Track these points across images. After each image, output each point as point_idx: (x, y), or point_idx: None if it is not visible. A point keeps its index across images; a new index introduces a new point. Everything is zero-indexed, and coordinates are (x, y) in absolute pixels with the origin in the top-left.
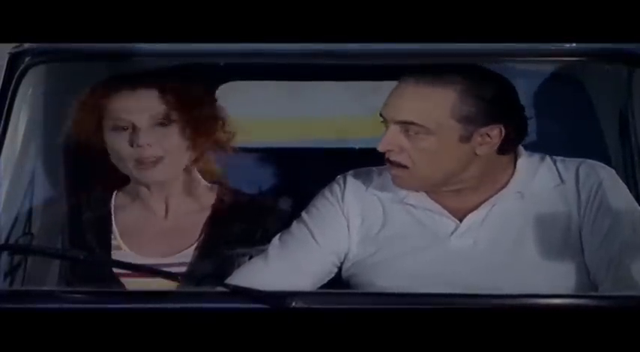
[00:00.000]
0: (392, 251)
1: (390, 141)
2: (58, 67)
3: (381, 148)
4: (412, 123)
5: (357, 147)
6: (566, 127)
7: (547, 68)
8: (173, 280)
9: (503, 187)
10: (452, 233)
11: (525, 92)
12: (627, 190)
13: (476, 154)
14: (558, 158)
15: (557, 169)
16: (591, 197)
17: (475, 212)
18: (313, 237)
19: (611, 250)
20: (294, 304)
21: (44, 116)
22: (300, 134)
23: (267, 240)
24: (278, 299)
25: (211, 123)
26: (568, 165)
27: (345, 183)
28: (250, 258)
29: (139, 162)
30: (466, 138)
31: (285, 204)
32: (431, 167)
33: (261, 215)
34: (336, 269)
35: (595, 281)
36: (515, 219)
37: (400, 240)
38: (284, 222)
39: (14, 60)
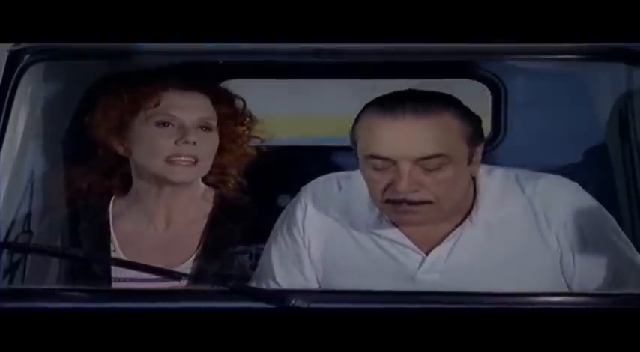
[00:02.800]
0: (356, 283)
1: (411, 181)
2: (57, 65)
3: (403, 190)
4: (436, 156)
5: None
6: (566, 125)
7: (547, 67)
8: (174, 280)
9: (466, 214)
10: (418, 267)
11: (525, 91)
12: (595, 202)
13: (471, 175)
14: (518, 172)
15: (521, 186)
16: (558, 219)
17: (440, 246)
18: (276, 282)
19: (600, 274)
20: (294, 302)
21: (43, 114)
22: (299, 132)
23: (266, 239)
24: (278, 297)
25: (242, 142)
26: (531, 182)
27: (305, 208)
28: (250, 256)
29: (175, 160)
30: (470, 160)
31: (284, 202)
32: (451, 197)
33: (261, 214)
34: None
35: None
36: (481, 248)
37: (364, 269)
38: None
39: (13, 58)
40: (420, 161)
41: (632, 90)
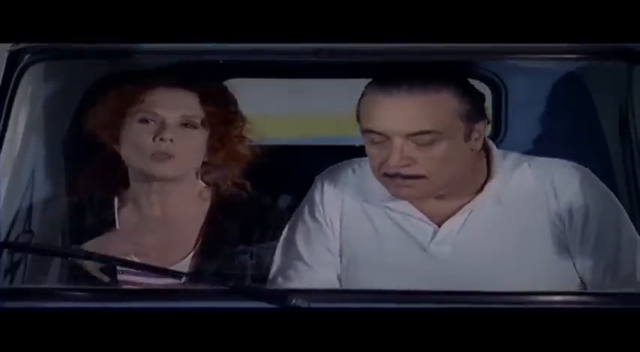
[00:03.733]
0: (372, 256)
1: (402, 155)
2: (58, 65)
3: (394, 164)
4: (426, 132)
5: (357, 144)
6: (567, 125)
7: (547, 66)
8: (174, 279)
9: (478, 191)
10: (431, 239)
11: (526, 90)
12: (605, 188)
13: (472, 151)
14: (532, 158)
15: (532, 170)
16: (566, 195)
17: (453, 218)
18: (304, 262)
19: (603, 254)
20: (294, 302)
21: (44, 114)
22: (300, 131)
23: (266, 238)
24: (279, 297)
25: (234, 142)
26: (543, 166)
27: (322, 190)
28: (251, 256)
29: (155, 155)
30: (467, 136)
31: (284, 201)
32: (445, 172)
33: (261, 213)
34: (332, 258)
35: (592, 287)
36: (493, 225)
37: (380, 243)
38: (283, 220)
39: (13, 58)
40: (411, 136)
41: (632, 89)
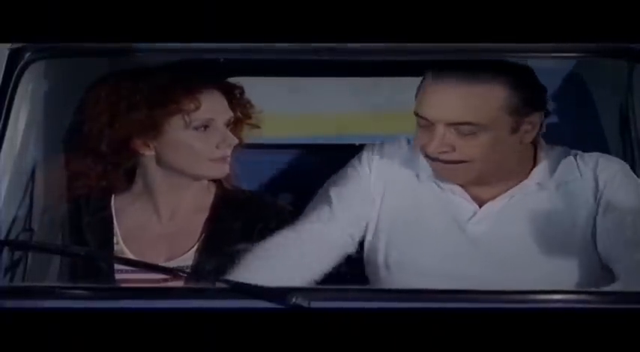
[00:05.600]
0: (410, 228)
1: (442, 142)
2: (58, 63)
3: (432, 150)
4: (468, 123)
5: (357, 143)
6: (567, 123)
7: (548, 65)
8: (175, 277)
9: (524, 178)
10: (470, 218)
11: None
12: None
13: (521, 143)
14: (577, 152)
15: (577, 163)
16: (607, 187)
17: (494, 201)
18: (331, 209)
19: (629, 241)
20: (295, 300)
21: (44, 112)
22: (299, 130)
23: (268, 236)
24: (278, 295)
25: (240, 129)
26: (587, 159)
27: (375, 152)
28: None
29: (217, 160)
30: (515, 129)
31: (284, 199)
32: (488, 160)
33: (261, 211)
34: (351, 242)
35: (614, 271)
36: (533, 211)
37: (420, 216)
38: (284, 218)
39: (14, 57)
40: (454, 125)
41: (633, 88)
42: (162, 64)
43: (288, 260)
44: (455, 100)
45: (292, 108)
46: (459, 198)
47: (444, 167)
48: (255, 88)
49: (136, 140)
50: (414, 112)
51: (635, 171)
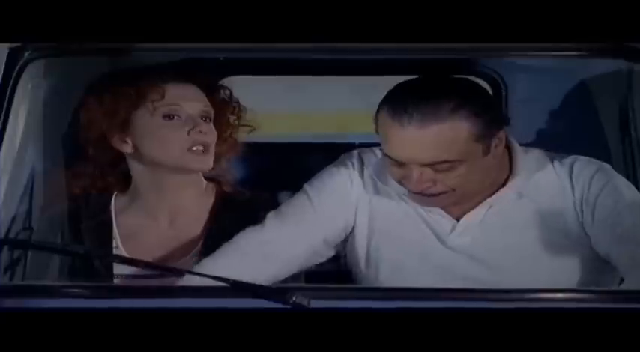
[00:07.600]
0: (393, 242)
1: (422, 180)
2: (58, 62)
3: (415, 190)
4: (444, 161)
5: (356, 141)
6: (567, 123)
7: (548, 64)
8: (175, 276)
9: (500, 187)
10: (450, 232)
11: (526, 89)
12: (628, 183)
13: (494, 158)
14: (554, 154)
15: (553, 166)
16: (585, 191)
17: (472, 212)
18: (304, 212)
19: (629, 243)
20: (295, 299)
21: (44, 111)
22: (299, 128)
23: None
24: (278, 294)
25: (233, 131)
26: (563, 162)
27: (361, 159)
28: None
29: (192, 149)
30: (486, 151)
31: (284, 198)
32: (469, 184)
33: (261, 210)
34: (325, 246)
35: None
36: (513, 219)
37: (400, 229)
38: None
39: (14, 55)
40: (429, 165)
41: (632, 87)
42: (161, 64)
43: (253, 261)
44: (425, 143)
45: (291, 106)
46: (434, 215)
47: (428, 199)
48: (256, 87)
49: (112, 137)
50: (384, 153)
51: (635, 171)
